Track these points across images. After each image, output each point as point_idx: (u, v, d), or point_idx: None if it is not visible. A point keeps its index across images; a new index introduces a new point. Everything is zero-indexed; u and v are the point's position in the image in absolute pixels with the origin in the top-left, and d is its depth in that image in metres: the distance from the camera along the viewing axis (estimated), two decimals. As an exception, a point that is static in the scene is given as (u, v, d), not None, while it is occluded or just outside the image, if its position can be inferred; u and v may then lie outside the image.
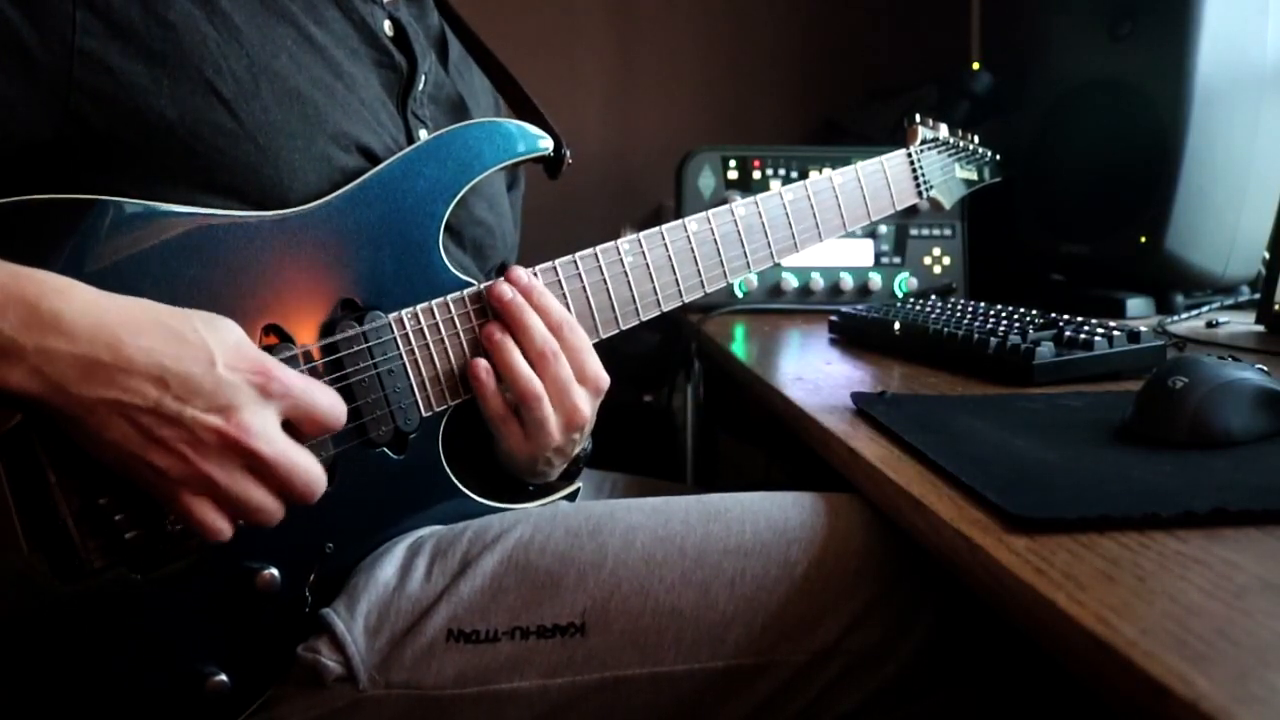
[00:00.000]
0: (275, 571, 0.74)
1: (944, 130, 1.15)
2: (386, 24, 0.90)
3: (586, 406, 0.83)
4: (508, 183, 1.06)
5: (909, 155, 1.09)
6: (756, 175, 1.55)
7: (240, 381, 0.64)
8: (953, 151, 1.16)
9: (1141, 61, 1.34)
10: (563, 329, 0.82)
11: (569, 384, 0.81)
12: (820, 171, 1.01)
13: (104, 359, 0.62)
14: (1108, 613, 0.44)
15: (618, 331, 0.88)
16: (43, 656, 0.69)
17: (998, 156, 1.25)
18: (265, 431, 0.65)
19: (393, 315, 0.79)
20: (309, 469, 0.67)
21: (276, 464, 0.65)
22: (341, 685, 0.72)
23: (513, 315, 0.81)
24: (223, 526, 0.66)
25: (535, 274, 0.84)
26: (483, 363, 0.81)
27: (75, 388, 0.61)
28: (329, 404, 0.70)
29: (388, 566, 0.76)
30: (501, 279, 0.82)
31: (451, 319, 0.82)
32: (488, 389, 0.81)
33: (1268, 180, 1.31)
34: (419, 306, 0.80)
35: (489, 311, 0.82)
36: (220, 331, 0.66)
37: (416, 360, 0.80)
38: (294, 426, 0.68)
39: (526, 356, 0.81)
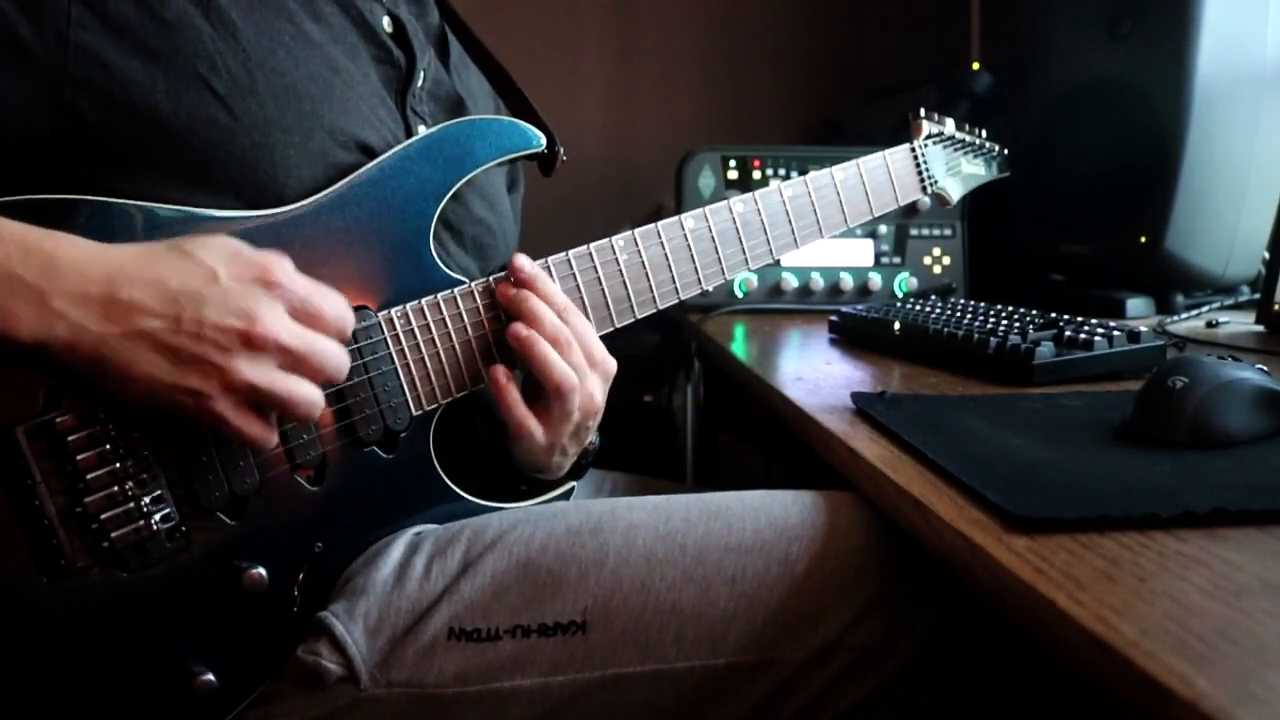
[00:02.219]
0: (262, 570, 0.74)
1: (950, 124, 1.15)
2: (385, 20, 0.91)
3: (599, 392, 0.84)
4: (507, 183, 1.06)
5: (913, 150, 1.09)
6: (756, 175, 1.55)
7: (247, 287, 0.66)
8: (958, 146, 1.16)
9: (1141, 61, 1.34)
10: (564, 315, 0.82)
11: (585, 370, 0.82)
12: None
13: (119, 295, 0.64)
14: (1108, 613, 0.44)
15: (612, 330, 0.88)
16: (28, 655, 0.69)
17: (1005, 151, 1.25)
18: (287, 325, 0.67)
19: (383, 314, 0.79)
20: (335, 351, 0.70)
21: (308, 352, 0.68)
22: (343, 685, 0.72)
23: (523, 308, 0.81)
24: (270, 436, 0.69)
25: (547, 265, 0.84)
26: (501, 368, 0.81)
27: (98, 327, 0.64)
28: (333, 306, 0.70)
29: (385, 566, 0.76)
30: (503, 281, 0.82)
31: (443, 318, 0.81)
32: (510, 395, 0.81)
33: (1268, 180, 1.31)
34: (409, 305, 0.80)
35: (497, 307, 0.82)
36: (215, 248, 0.67)
37: (407, 359, 0.80)
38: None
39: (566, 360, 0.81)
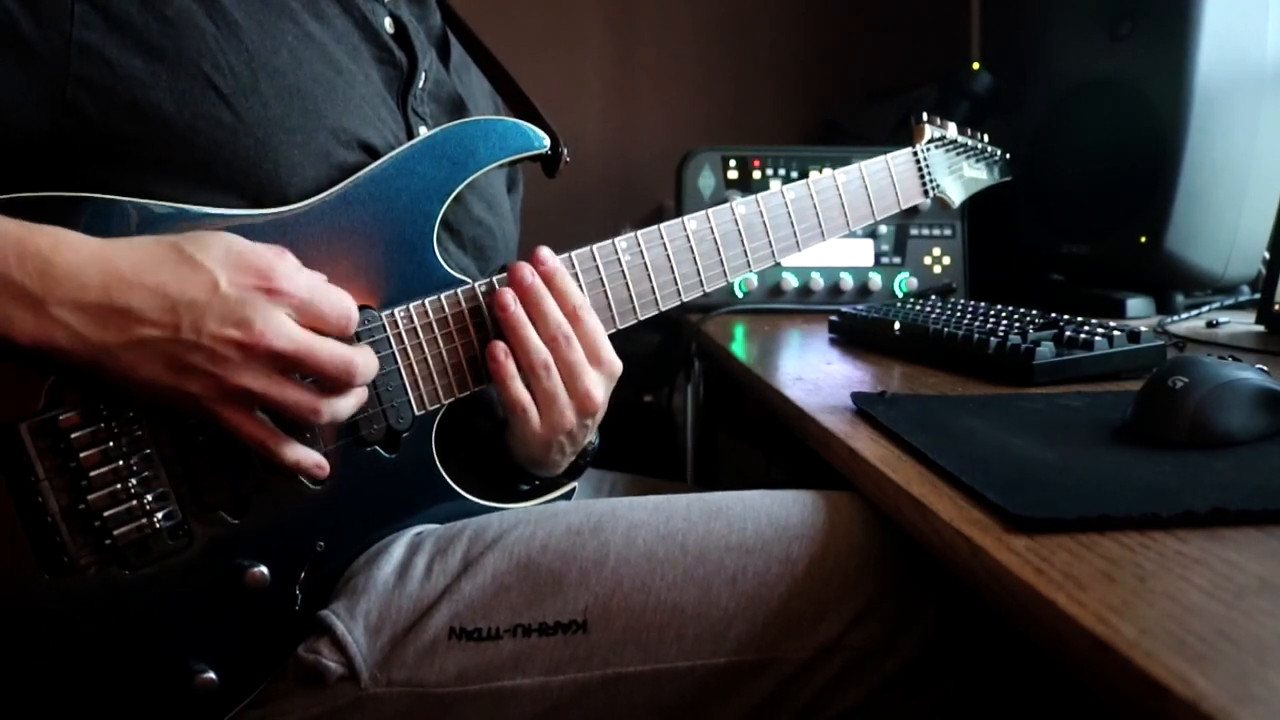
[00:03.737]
0: (264, 569, 0.74)
1: (952, 129, 1.15)
2: (387, 21, 0.91)
3: (599, 391, 0.83)
4: (506, 184, 1.06)
5: (915, 154, 1.09)
6: (756, 175, 1.55)
7: (245, 294, 0.66)
8: (960, 150, 1.16)
9: (1141, 61, 1.34)
10: (579, 313, 0.82)
11: (581, 367, 0.82)
12: (820, 171, 1.01)
13: (116, 304, 0.64)
14: (1108, 613, 0.44)
15: (614, 331, 0.88)
16: (29, 652, 0.69)
17: (1007, 155, 1.25)
18: (282, 330, 0.67)
19: (385, 314, 0.79)
20: (336, 353, 0.70)
21: (303, 356, 0.68)
22: (343, 684, 0.72)
23: (530, 299, 0.81)
24: (270, 437, 0.70)
25: (570, 259, 0.84)
26: (500, 344, 0.81)
27: (96, 335, 0.64)
28: (334, 305, 0.71)
29: (386, 565, 0.76)
30: (522, 263, 0.82)
31: (445, 317, 0.81)
32: (506, 370, 0.81)
33: (1268, 180, 1.31)
34: (412, 305, 0.80)
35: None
36: (215, 249, 0.67)
37: (410, 359, 0.80)
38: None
39: (540, 338, 0.81)
